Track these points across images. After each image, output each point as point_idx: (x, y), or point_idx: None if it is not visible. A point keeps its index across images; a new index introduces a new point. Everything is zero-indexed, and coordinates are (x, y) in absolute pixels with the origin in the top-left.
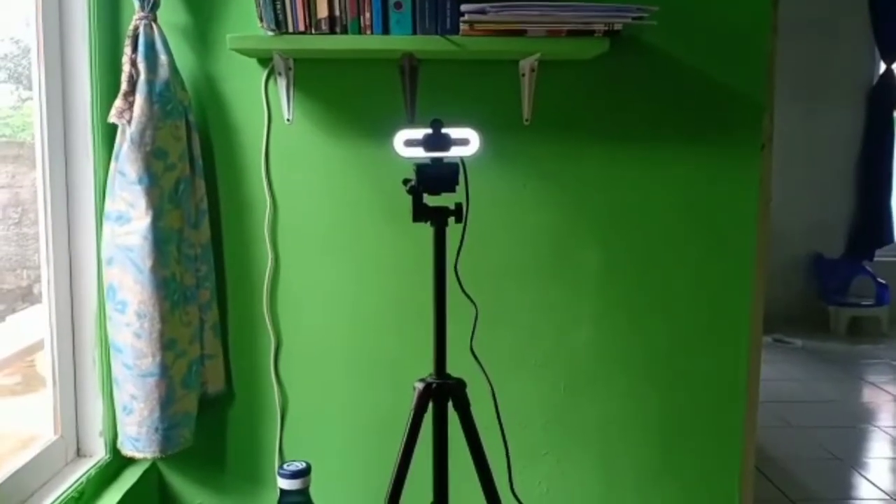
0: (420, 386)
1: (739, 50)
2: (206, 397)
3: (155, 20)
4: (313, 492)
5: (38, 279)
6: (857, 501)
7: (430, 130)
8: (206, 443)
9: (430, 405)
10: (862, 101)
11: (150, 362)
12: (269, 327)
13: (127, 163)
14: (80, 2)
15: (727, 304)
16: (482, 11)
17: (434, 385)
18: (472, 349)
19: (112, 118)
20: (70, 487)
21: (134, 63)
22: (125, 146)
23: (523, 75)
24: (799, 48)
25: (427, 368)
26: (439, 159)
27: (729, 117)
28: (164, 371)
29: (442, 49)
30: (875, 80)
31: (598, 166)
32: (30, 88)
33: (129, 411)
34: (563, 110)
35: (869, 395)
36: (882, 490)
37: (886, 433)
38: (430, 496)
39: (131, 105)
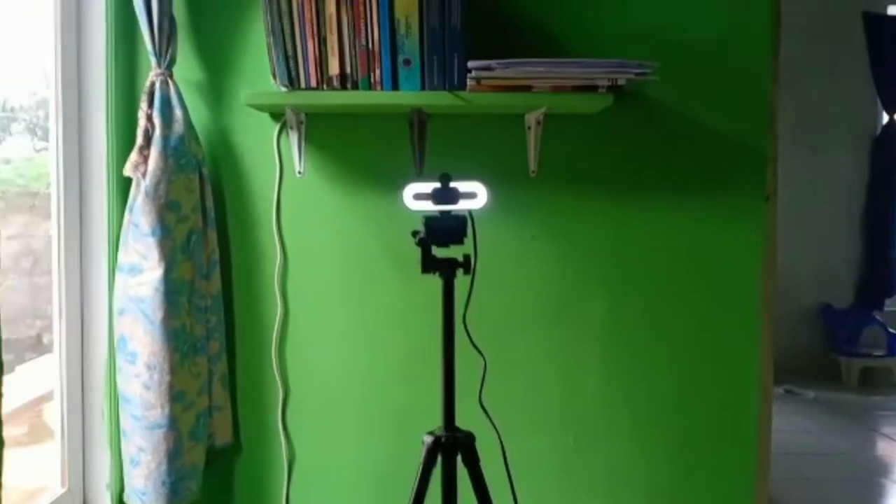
0: (429, 440)
1: (741, 101)
2: (213, 449)
3: (171, 76)
4: None
5: (47, 329)
6: None
7: (438, 184)
8: (213, 496)
9: (439, 459)
10: (866, 150)
11: (158, 414)
12: (278, 379)
13: (141, 215)
14: (98, 57)
15: (736, 354)
16: (488, 68)
17: (443, 439)
18: (480, 402)
19: (127, 171)
20: None
21: (150, 118)
22: (139, 198)
23: (529, 128)
24: (801, 98)
25: (436, 421)
26: (448, 212)
27: (732, 168)
28: (173, 423)
29: (450, 104)
30: (878, 130)
31: (603, 217)
32: (44, 139)
33: (136, 463)
34: (568, 162)
35: (883, 447)
36: None
37: None
38: None
39: (146, 159)
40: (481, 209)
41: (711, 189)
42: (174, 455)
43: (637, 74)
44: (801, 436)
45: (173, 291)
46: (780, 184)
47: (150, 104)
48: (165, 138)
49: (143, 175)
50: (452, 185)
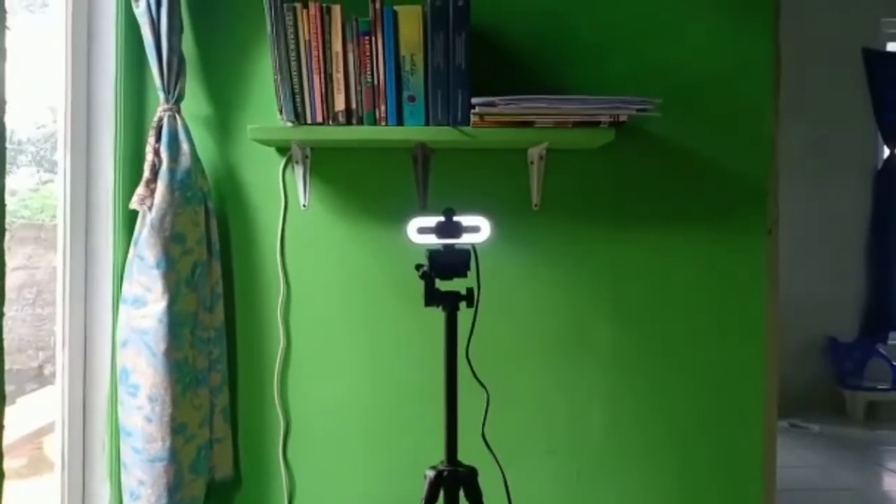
0: (431, 474)
1: (742, 135)
2: (213, 483)
3: (179, 111)
4: None
5: (49, 360)
6: None
7: (442, 218)
8: None
9: (442, 493)
10: (868, 184)
11: (159, 447)
12: (279, 411)
13: (146, 247)
14: (107, 92)
15: (740, 387)
16: (491, 104)
17: (445, 473)
18: (483, 436)
19: (134, 205)
20: None
21: (157, 152)
22: (145, 231)
23: (532, 163)
24: (802, 131)
25: (438, 455)
26: (451, 245)
27: (734, 202)
28: (174, 456)
29: (453, 139)
30: (879, 164)
31: (606, 251)
32: (50, 171)
33: (136, 497)
34: (571, 196)
35: (889, 483)
36: None
37: None
38: None
39: (153, 192)
40: (484, 242)
41: (714, 222)
42: (174, 489)
43: (639, 110)
44: (807, 471)
45: (177, 324)
46: (783, 217)
47: (158, 138)
48: (172, 172)
49: (150, 208)
50: (456, 218)
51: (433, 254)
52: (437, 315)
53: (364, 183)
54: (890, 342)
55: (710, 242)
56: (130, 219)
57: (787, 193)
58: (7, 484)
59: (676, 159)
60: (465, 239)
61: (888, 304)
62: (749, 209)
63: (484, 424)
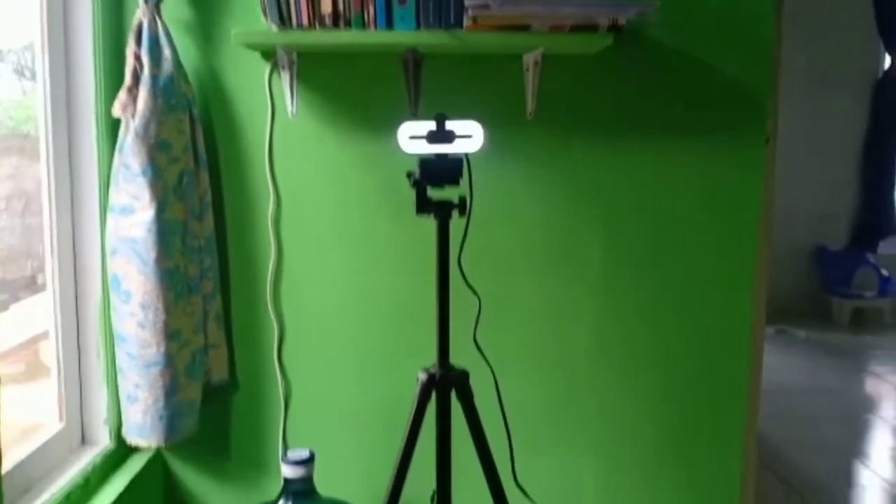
0: (423, 376)
1: (743, 43)
2: (209, 387)
3: (159, 15)
4: (317, 480)
5: (41, 269)
6: (858, 489)
7: (433, 125)
8: (210, 431)
9: (434, 395)
10: (867, 94)
11: (154, 352)
12: (273, 317)
13: (131, 155)
14: None
15: (730, 295)
16: (486, 6)
17: (437, 376)
18: (475, 340)
19: (116, 112)
20: (76, 475)
21: (138, 57)
22: (129, 139)
23: (527, 70)
24: (803, 41)
25: (430, 359)
26: (443, 153)
27: (733, 111)
28: (169, 361)
29: (445, 43)
30: (881, 73)
31: (600, 161)
32: (33, 80)
33: (133, 400)
34: (566, 105)
35: (871, 385)
36: (883, 479)
37: (888, 423)
38: (432, 485)
39: (135, 99)
40: (477, 151)
41: (711, 131)
42: (171, 392)
43: (637, 14)
44: (792, 374)
45: (166, 232)
46: (779, 126)
47: (138, 43)
48: (154, 78)
49: (133, 115)
50: (448, 125)
51: (425, 162)
52: (429, 223)
53: (353, 90)
54: (880, 251)
55: (706, 152)
56: (114, 126)
57: (784, 102)
58: (5, 390)
59: (675, 67)
60: (458, 146)
61: (880, 213)
62: (747, 118)
63: (475, 329)
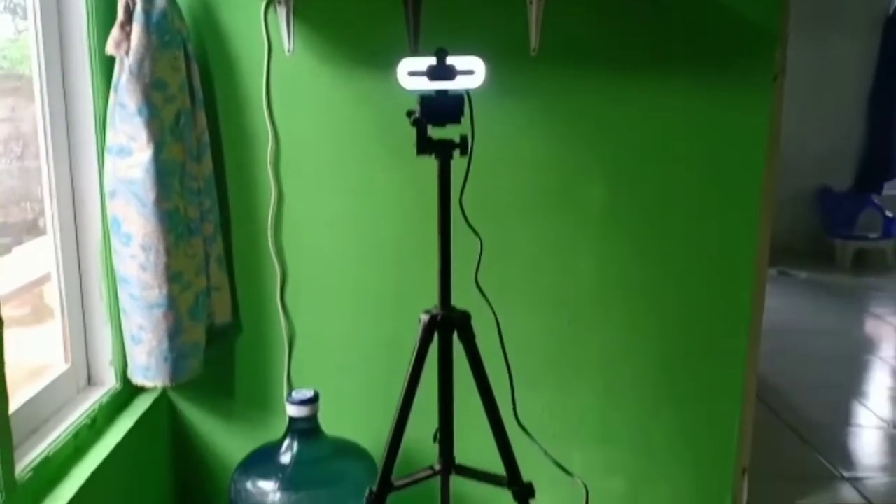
0: (425, 318)
1: None
2: (213, 328)
3: None
4: (321, 419)
5: (42, 212)
6: (855, 428)
7: (434, 60)
8: (215, 372)
9: (436, 336)
10: (877, 33)
11: (156, 294)
12: (274, 259)
13: (126, 94)
14: None
15: (733, 235)
16: None
17: (439, 317)
18: (476, 281)
19: (109, 49)
20: (82, 415)
21: None
22: (124, 77)
23: (531, 3)
24: None
25: (432, 300)
26: (444, 90)
27: (742, 47)
28: (171, 303)
29: None
30: (891, 11)
31: (605, 98)
32: (26, 19)
33: (137, 341)
34: (571, 41)
35: (871, 326)
36: (880, 418)
37: (887, 363)
38: (435, 424)
39: (128, 35)
40: (479, 87)
41: (719, 68)
42: (175, 333)
43: None
44: (793, 315)
45: (164, 173)
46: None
47: None
48: (147, 13)
49: (127, 53)
50: (449, 60)
51: (425, 99)
52: (430, 163)
53: (352, 26)
54: (885, 193)
55: (714, 88)
56: (108, 65)
57: (793, 39)
58: (11, 332)
59: (683, 3)
60: (459, 83)
61: (886, 155)
62: (756, 54)
63: (477, 270)
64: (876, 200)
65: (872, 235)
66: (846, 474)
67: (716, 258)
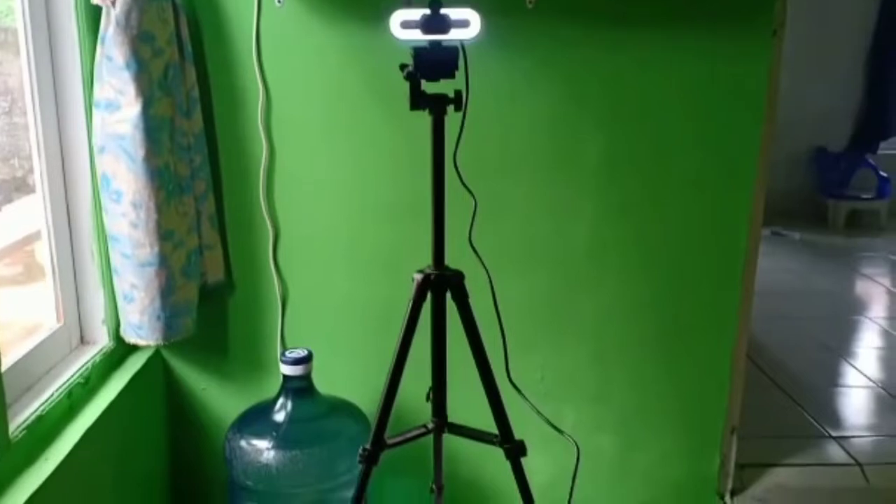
0: (419, 277)
1: None
2: (206, 287)
3: None
4: (315, 377)
5: (32, 169)
6: (845, 388)
7: (428, 11)
8: (208, 331)
9: (429, 296)
10: None
11: (148, 252)
12: (267, 217)
13: (113, 47)
14: None
15: (728, 196)
16: None
17: (432, 276)
18: (470, 241)
19: None
20: (76, 373)
21: None
22: (111, 29)
23: None
24: None
25: (425, 259)
26: (438, 43)
27: (742, 0)
28: (163, 261)
29: None
30: None
31: (602, 52)
32: None
33: (130, 300)
34: None
35: (863, 287)
36: (868, 378)
37: (877, 324)
38: (428, 382)
39: None
40: (474, 40)
41: (718, 23)
42: (167, 292)
43: None
44: (785, 275)
45: (153, 129)
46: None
47: None
48: None
49: (113, 3)
50: (443, 11)
51: (419, 51)
52: (424, 118)
53: None
54: (880, 152)
55: (711, 42)
56: (95, 16)
57: None
58: (4, 290)
59: None
60: (453, 35)
61: (883, 114)
62: (755, 7)
63: (471, 230)
64: (871, 160)
65: (866, 196)
66: (833, 433)
67: (710, 218)
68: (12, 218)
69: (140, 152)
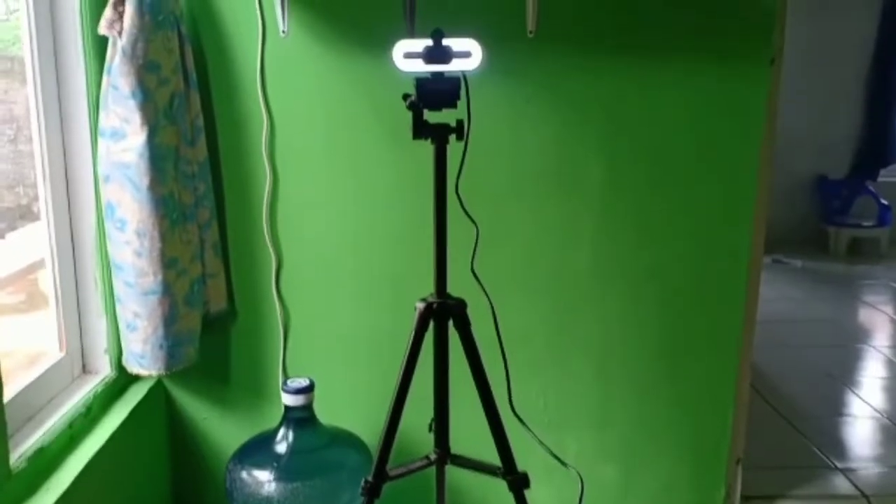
0: (421, 306)
1: None
2: (209, 316)
3: None
4: (316, 408)
5: (37, 197)
6: (849, 418)
7: (430, 42)
8: (210, 360)
9: (432, 324)
10: (875, 14)
11: (151, 281)
12: (270, 246)
13: (119, 76)
14: None
15: (729, 223)
16: None
17: (435, 305)
18: (472, 269)
19: (102, 30)
20: (77, 403)
21: None
22: (117, 59)
23: None
24: None
25: (428, 288)
26: (440, 73)
27: (739, 29)
28: (167, 289)
29: None
30: None
31: (602, 81)
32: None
33: (132, 328)
34: (568, 22)
35: (865, 315)
36: (873, 408)
37: (881, 352)
38: (430, 413)
39: (121, 15)
40: (475, 70)
41: (716, 51)
42: (170, 320)
43: None
44: (787, 304)
45: (158, 157)
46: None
47: None
48: None
49: (120, 33)
50: (445, 42)
51: (421, 82)
52: (426, 147)
53: (347, 7)
54: (881, 179)
55: (710, 71)
56: (101, 46)
57: (790, 22)
58: (7, 319)
59: None
60: (455, 65)
61: (883, 142)
62: (753, 36)
63: (473, 258)
64: (871, 188)
65: (867, 223)
66: (839, 465)
67: (711, 246)
68: (16, 245)
69: (145, 181)
